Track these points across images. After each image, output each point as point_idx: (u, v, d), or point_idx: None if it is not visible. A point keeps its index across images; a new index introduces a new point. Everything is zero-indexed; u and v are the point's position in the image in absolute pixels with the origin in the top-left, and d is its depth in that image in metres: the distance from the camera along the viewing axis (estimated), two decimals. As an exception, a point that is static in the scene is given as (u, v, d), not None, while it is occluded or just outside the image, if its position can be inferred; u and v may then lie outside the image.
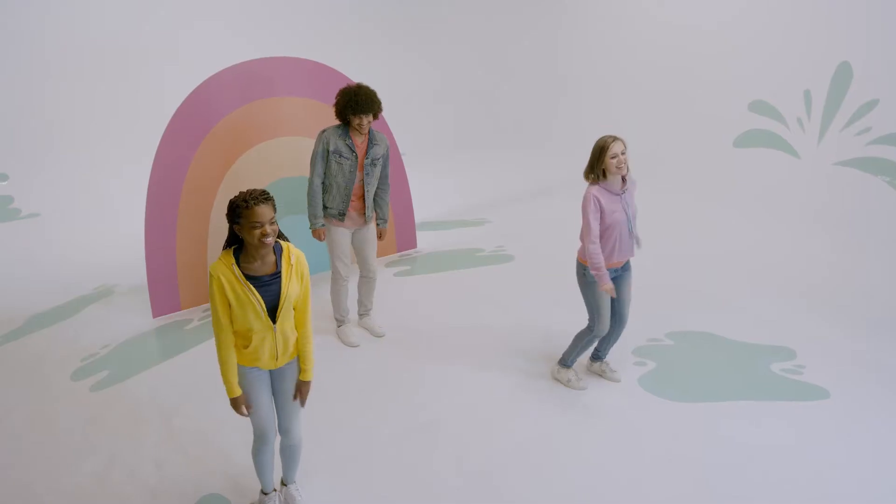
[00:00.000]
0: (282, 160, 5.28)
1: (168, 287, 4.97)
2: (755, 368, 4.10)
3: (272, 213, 2.51)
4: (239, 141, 5.08)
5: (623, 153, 3.48)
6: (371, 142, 4.26)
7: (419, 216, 7.39)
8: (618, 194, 3.55)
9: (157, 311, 4.98)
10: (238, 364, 2.70)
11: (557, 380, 4.01)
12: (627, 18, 9.35)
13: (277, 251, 2.64)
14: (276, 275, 2.61)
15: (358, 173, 4.25)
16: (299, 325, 2.74)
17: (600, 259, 3.53)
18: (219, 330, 2.59)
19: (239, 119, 5.04)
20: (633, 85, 9.37)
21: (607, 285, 3.54)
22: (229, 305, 2.54)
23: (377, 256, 6.06)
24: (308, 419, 3.69)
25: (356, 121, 4.10)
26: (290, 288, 2.62)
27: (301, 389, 2.82)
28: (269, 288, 2.58)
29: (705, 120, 8.42)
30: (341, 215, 4.31)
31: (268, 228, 2.48)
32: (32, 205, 7.25)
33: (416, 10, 10.38)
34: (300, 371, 2.82)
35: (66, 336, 4.79)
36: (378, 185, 4.44)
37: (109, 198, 7.29)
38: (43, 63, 7.18)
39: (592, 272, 3.57)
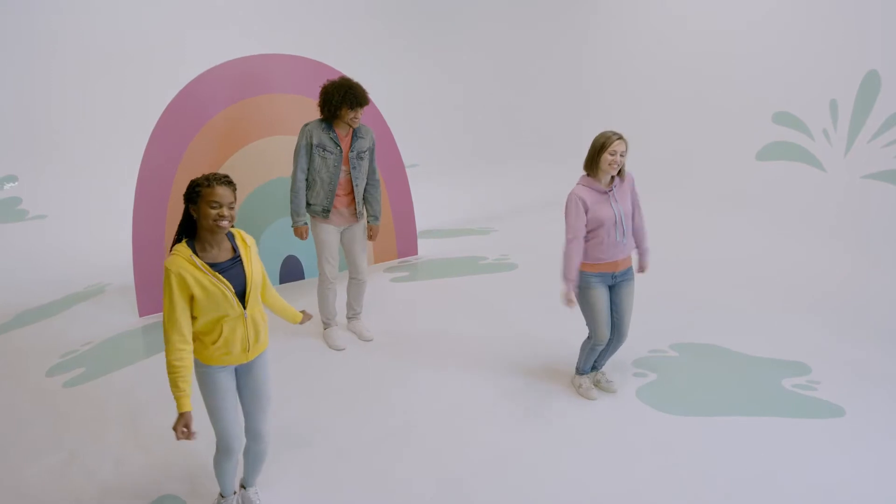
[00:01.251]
0: (276, 159, 5.16)
1: (155, 286, 4.85)
2: (764, 383, 3.80)
3: (232, 198, 2.40)
4: (231, 139, 4.99)
5: (622, 155, 3.31)
6: (356, 135, 4.11)
7: (427, 224, 7.24)
8: (604, 192, 3.35)
9: (144, 310, 4.86)
10: (202, 363, 2.50)
11: (573, 385, 3.78)
12: (649, 30, 9.17)
13: (230, 237, 2.51)
14: (236, 259, 2.47)
15: (343, 167, 4.09)
16: (268, 298, 2.73)
17: (570, 263, 3.39)
18: (172, 330, 2.34)
19: (232, 116, 4.96)
20: (654, 97, 9.15)
21: (568, 294, 3.42)
22: (192, 301, 2.36)
23: (376, 262, 5.97)
24: (281, 420, 3.53)
25: (351, 115, 3.95)
26: (255, 270, 2.50)
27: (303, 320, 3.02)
28: (231, 273, 2.44)
29: (727, 132, 8.16)
30: (325, 212, 4.14)
31: (225, 211, 2.36)
32: (40, 206, 7.27)
33: (436, 20, 10.33)
34: (294, 318, 2.98)
35: (50, 332, 4.69)
36: (367, 180, 4.28)
37: (116, 199, 7.26)
38: (53, 66, 7.25)
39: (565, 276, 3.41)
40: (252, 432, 2.67)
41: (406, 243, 6.12)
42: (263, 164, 5.15)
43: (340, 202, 4.17)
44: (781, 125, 7.60)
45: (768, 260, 5.80)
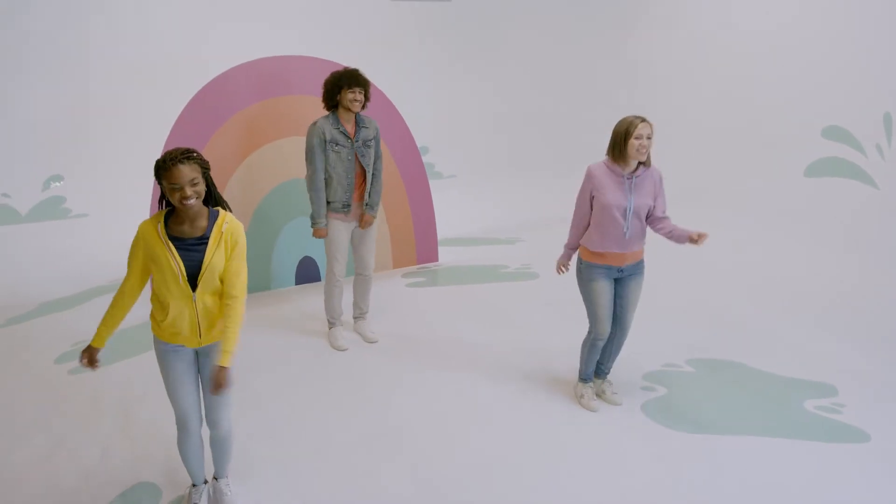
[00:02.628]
0: (295, 160, 5.16)
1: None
2: (785, 404, 3.52)
3: (194, 174, 2.30)
4: (251, 137, 5.03)
5: (649, 138, 3.12)
6: (359, 125, 4.09)
7: (455, 233, 7.15)
8: (622, 176, 3.16)
9: (159, 303, 4.92)
10: (160, 340, 2.50)
11: (575, 394, 3.61)
12: (693, 42, 8.91)
13: (213, 217, 2.44)
14: (203, 240, 2.40)
15: (355, 160, 4.06)
16: (225, 297, 2.46)
17: (571, 237, 3.42)
18: (126, 277, 2.45)
19: (253, 115, 5.01)
20: (699, 110, 8.86)
21: (562, 261, 3.43)
22: (150, 266, 2.39)
23: (395, 267, 5.91)
24: (268, 416, 3.49)
25: (350, 96, 3.93)
26: (215, 256, 2.40)
27: (216, 376, 2.35)
28: (191, 252, 2.38)
29: (774, 147, 7.80)
30: (346, 206, 4.10)
31: (188, 190, 2.28)
32: (82, 205, 7.54)
33: (480, 34, 10.32)
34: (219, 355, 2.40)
35: (66, 322, 4.80)
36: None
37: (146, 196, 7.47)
38: (97, 69, 7.52)
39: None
40: (209, 419, 2.61)
41: (426, 250, 6.03)
42: (282, 164, 5.17)
43: (355, 195, 4.14)
44: (831, 140, 7.21)
45: (810, 279, 5.43)
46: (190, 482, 2.82)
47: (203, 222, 2.40)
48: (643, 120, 3.09)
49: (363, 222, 4.27)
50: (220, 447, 2.72)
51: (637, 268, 3.37)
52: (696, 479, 2.88)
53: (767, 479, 2.87)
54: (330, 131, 3.99)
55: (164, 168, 2.27)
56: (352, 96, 3.93)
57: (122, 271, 2.59)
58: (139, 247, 2.38)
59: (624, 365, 3.92)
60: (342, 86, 3.93)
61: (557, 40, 10.49)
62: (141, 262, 2.40)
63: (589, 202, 3.25)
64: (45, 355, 4.25)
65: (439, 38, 10.07)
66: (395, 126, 5.63)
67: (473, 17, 10.23)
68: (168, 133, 4.82)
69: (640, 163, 3.18)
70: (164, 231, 2.35)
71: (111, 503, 2.82)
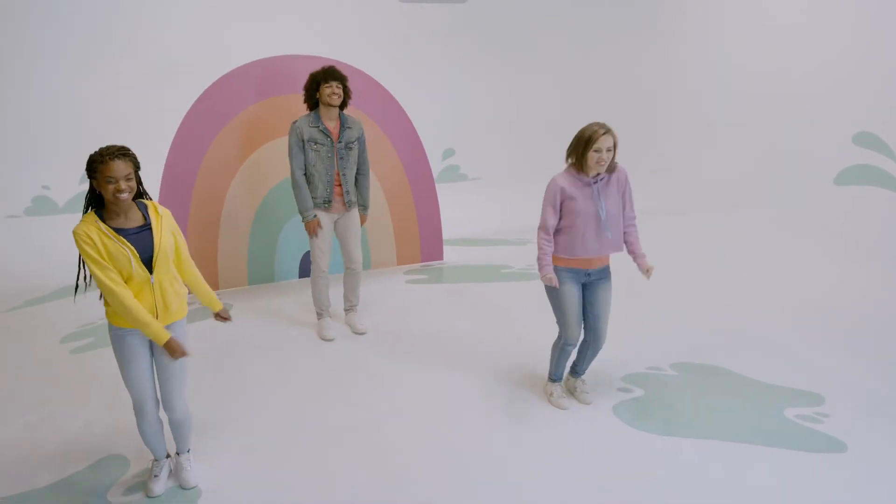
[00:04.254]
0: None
1: (178, 269, 5.12)
2: (764, 411, 3.42)
3: (128, 170, 2.44)
4: (256, 135, 5.20)
5: (609, 150, 3.08)
6: (343, 125, 4.19)
7: (465, 234, 7.19)
8: (588, 184, 3.15)
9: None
10: (115, 326, 2.61)
11: (545, 392, 3.59)
12: (722, 47, 8.72)
13: (142, 208, 2.58)
14: (145, 227, 2.54)
15: (335, 157, 4.16)
16: (184, 272, 2.74)
17: (545, 250, 3.23)
18: (108, 288, 2.45)
19: (258, 113, 5.17)
20: (725, 116, 8.66)
21: (546, 275, 3.20)
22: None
23: (398, 264, 5.98)
24: (245, 400, 3.62)
25: (327, 90, 4.05)
26: (164, 238, 2.55)
27: (220, 314, 2.99)
28: (139, 238, 2.51)
29: (803, 154, 7.58)
30: (327, 203, 4.21)
31: (122, 184, 2.41)
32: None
33: (504, 35, 10.34)
34: (212, 305, 2.96)
35: (77, 306, 5.04)
36: (357, 170, 4.34)
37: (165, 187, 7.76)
38: (117, 70, 7.89)
39: (539, 258, 3.25)
40: (164, 402, 2.73)
41: (431, 249, 6.09)
42: (286, 160, 5.29)
43: (336, 192, 4.24)
44: (863, 147, 6.96)
45: (822, 289, 5.20)
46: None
47: (136, 213, 2.54)
48: (606, 131, 3.04)
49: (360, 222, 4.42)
50: (176, 427, 2.84)
51: (605, 272, 3.35)
52: (649, 480, 2.84)
53: (725, 484, 2.80)
54: (308, 130, 4.11)
55: (101, 162, 2.39)
56: (329, 90, 4.04)
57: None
58: (90, 243, 2.42)
59: (605, 366, 3.89)
60: (319, 81, 4.06)
61: (583, 44, 10.44)
62: (99, 253, 2.44)
63: (558, 212, 3.22)
64: (52, 335, 4.50)
65: (465, 40, 10.16)
66: (401, 126, 5.72)
67: (501, 19, 10.27)
68: (176, 130, 5.02)
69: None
70: (106, 226, 2.46)
71: (82, 470, 2.98)
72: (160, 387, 2.72)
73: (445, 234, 6.71)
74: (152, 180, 5.75)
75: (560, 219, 3.24)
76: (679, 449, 3.07)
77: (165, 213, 2.65)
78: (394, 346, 4.30)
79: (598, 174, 3.17)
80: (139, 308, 2.49)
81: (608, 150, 3.07)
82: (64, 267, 6.18)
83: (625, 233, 3.31)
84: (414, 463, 3.01)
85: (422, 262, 6.10)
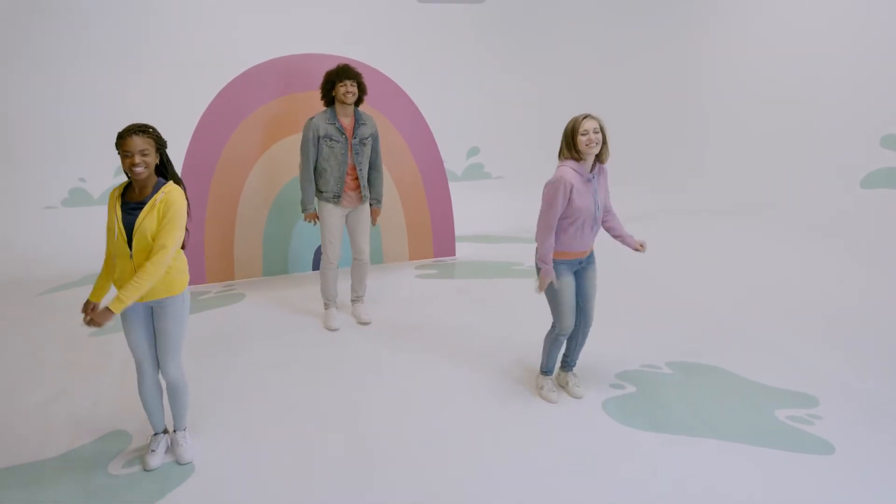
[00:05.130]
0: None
1: (196, 260, 5.33)
2: (755, 410, 3.40)
3: (145, 146, 2.59)
4: (276, 129, 5.37)
5: (596, 131, 3.15)
6: (357, 122, 4.30)
7: (481, 231, 7.25)
8: (588, 179, 3.22)
9: (184, 280, 5.35)
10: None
11: (536, 385, 3.65)
12: (748, 49, 8.60)
13: (158, 186, 2.71)
14: (143, 204, 2.68)
15: (349, 154, 4.28)
16: (154, 248, 2.63)
17: (547, 250, 3.25)
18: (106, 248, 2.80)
19: (277, 109, 5.34)
20: (753, 117, 8.51)
21: (549, 277, 3.26)
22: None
23: (411, 259, 6.09)
24: (245, 381, 3.77)
25: (342, 89, 4.17)
26: (146, 220, 2.64)
27: (99, 313, 2.61)
28: (132, 216, 2.66)
29: (830, 157, 7.42)
30: (337, 197, 4.34)
31: (137, 159, 2.57)
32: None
33: (522, 36, 10.36)
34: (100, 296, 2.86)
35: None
36: (371, 165, 4.46)
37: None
38: (141, 65, 8.21)
39: (538, 262, 3.26)
40: (160, 364, 2.90)
41: (443, 244, 6.18)
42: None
43: (348, 186, 4.37)
44: (891, 149, 6.78)
45: (832, 292, 5.12)
46: (153, 432, 3.11)
47: (149, 190, 2.68)
48: (587, 116, 3.14)
49: (372, 216, 4.56)
50: (172, 396, 2.99)
51: (592, 257, 3.44)
52: (628, 474, 2.86)
53: (704, 480, 2.80)
54: (324, 127, 4.24)
55: (122, 137, 2.59)
56: (343, 89, 4.16)
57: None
58: (108, 206, 2.74)
59: (599, 362, 3.93)
60: (334, 80, 4.18)
61: (605, 45, 10.37)
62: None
63: (561, 210, 3.26)
64: (75, 319, 4.72)
65: (487, 40, 10.18)
66: (416, 126, 5.82)
67: (520, 20, 10.27)
68: (196, 124, 5.22)
69: (596, 161, 3.24)
70: (119, 196, 2.67)
71: (88, 443, 3.16)
72: (157, 350, 2.88)
73: (465, 231, 6.81)
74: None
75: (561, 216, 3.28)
76: (662, 445, 3.08)
77: (167, 198, 2.67)
78: (395, 336, 4.40)
79: (594, 169, 3.23)
80: (102, 275, 2.84)
81: (595, 131, 3.13)
82: (94, 255, 6.50)
83: (604, 220, 3.42)
84: (394, 447, 3.10)
85: (434, 257, 6.19)
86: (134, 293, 2.58)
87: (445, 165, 10.15)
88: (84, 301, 2.86)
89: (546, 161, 10.23)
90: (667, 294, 5.18)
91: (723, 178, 8.68)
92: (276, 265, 5.65)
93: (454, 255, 6.27)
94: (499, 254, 6.42)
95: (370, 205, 4.55)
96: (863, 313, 4.66)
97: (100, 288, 2.86)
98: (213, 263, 5.40)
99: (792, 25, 7.92)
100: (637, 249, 3.42)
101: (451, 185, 9.28)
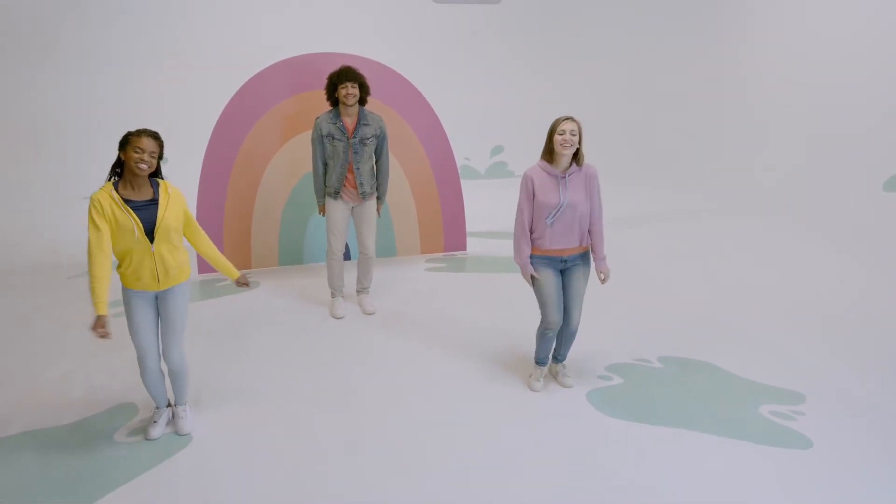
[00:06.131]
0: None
1: (215, 248, 5.60)
2: (739, 405, 3.44)
3: (155, 149, 2.85)
4: (291, 126, 5.58)
5: (573, 133, 3.25)
6: (360, 122, 4.45)
7: (497, 227, 7.35)
8: (556, 176, 3.31)
9: (202, 268, 5.62)
10: (126, 288, 3.00)
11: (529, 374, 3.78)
12: (777, 49, 8.50)
13: (155, 185, 2.94)
14: (153, 201, 2.90)
15: (350, 153, 4.45)
16: (199, 244, 3.15)
17: (521, 245, 3.42)
18: (95, 248, 2.77)
19: (292, 107, 5.55)
20: (778, 119, 8.40)
21: (525, 272, 3.43)
22: (109, 227, 2.81)
23: (422, 253, 6.24)
24: (249, 363, 3.99)
25: (343, 91, 4.33)
26: (168, 212, 2.88)
27: (240, 280, 3.30)
28: (145, 212, 2.87)
29: (852, 159, 7.30)
30: (336, 193, 4.53)
31: (147, 157, 2.81)
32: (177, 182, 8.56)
33: (542, 36, 10.41)
34: (230, 274, 3.27)
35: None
36: (376, 163, 4.61)
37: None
38: (166, 65, 8.59)
39: (515, 259, 3.41)
40: (164, 354, 3.10)
41: (454, 239, 6.31)
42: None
43: (348, 182, 4.55)
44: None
45: (837, 295, 5.05)
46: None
47: (148, 188, 2.91)
48: (567, 118, 3.25)
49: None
50: (174, 378, 3.20)
51: (582, 258, 3.48)
52: (602, 461, 2.95)
53: (672, 469, 2.88)
54: (327, 126, 4.43)
55: (136, 135, 2.82)
56: (344, 91, 4.33)
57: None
58: (98, 212, 2.78)
59: (592, 354, 4.02)
60: (336, 83, 4.34)
61: (623, 46, 10.37)
62: (103, 222, 2.80)
63: (531, 204, 3.39)
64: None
65: (507, 40, 10.30)
66: (429, 125, 5.97)
67: (538, 20, 10.35)
68: (216, 120, 5.47)
69: (573, 162, 3.33)
70: (118, 196, 2.84)
71: (99, 413, 3.42)
72: (161, 337, 3.09)
73: (484, 228, 6.93)
74: (194, 166, 6.29)
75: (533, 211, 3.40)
76: (639, 434, 3.16)
77: (175, 192, 2.97)
78: (397, 326, 4.56)
79: (569, 169, 3.32)
80: (98, 277, 2.76)
81: (571, 133, 3.23)
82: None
83: (589, 231, 3.46)
84: (379, 427, 3.26)
85: (445, 251, 6.33)
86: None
87: (469, 163, 10.35)
88: (97, 316, 2.77)
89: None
90: (667, 292, 5.21)
91: (744, 179, 8.59)
92: (291, 255, 5.88)
93: (465, 249, 6.39)
94: (510, 249, 6.50)
95: (359, 196, 4.64)
96: (865, 314, 4.61)
97: (102, 295, 2.79)
98: (231, 253, 5.66)
99: (814, 28, 7.82)
100: (598, 275, 3.51)
101: (474, 183, 9.46)
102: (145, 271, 2.92)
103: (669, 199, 8.76)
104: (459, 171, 9.86)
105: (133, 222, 2.83)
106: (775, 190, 8.04)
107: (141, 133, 2.83)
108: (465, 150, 10.28)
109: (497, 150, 10.53)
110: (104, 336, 2.80)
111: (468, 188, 8.02)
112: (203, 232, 3.18)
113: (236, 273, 3.30)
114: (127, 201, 2.85)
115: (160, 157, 2.92)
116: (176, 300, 3.04)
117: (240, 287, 3.42)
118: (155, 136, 2.87)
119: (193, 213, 5.61)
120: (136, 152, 2.79)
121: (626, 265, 5.88)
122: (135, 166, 2.80)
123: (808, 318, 4.62)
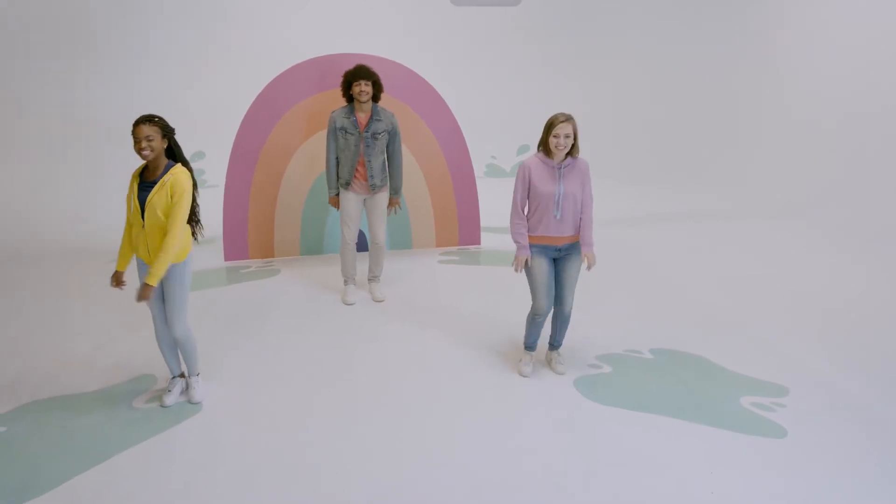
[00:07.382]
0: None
1: (239, 238, 5.92)
2: (721, 395, 3.56)
3: (150, 132, 3.08)
4: (313, 122, 5.86)
5: (567, 137, 3.41)
6: (373, 117, 4.68)
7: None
8: (552, 167, 3.48)
9: (228, 256, 5.96)
10: (136, 256, 3.35)
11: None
12: (801, 51, 8.40)
13: (167, 168, 3.18)
14: (154, 183, 3.16)
15: (361, 146, 4.69)
16: (166, 230, 3.12)
17: (518, 229, 3.58)
18: (126, 218, 3.27)
19: (313, 105, 5.83)
20: (806, 122, 8.30)
21: (522, 256, 3.57)
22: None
23: (437, 246, 6.45)
24: (262, 341, 4.28)
25: (356, 89, 4.57)
26: (155, 196, 3.12)
27: (140, 290, 3.10)
28: (146, 192, 3.16)
29: (870, 158, 7.17)
30: (347, 184, 4.78)
31: (143, 143, 3.07)
32: (215, 178, 8.97)
33: (562, 38, 10.49)
34: (151, 274, 3.10)
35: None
36: (389, 158, 4.84)
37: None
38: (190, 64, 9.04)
39: (514, 238, 3.60)
40: (169, 326, 3.39)
41: (469, 234, 6.50)
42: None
43: (359, 174, 4.79)
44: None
45: (839, 295, 5.05)
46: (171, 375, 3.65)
47: (160, 171, 3.18)
48: (566, 119, 3.39)
49: (390, 205, 4.97)
50: (181, 350, 3.49)
51: (574, 248, 3.63)
52: (584, 443, 3.11)
53: (647, 453, 3.01)
54: (341, 120, 4.68)
55: (135, 125, 3.10)
56: (358, 89, 4.57)
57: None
58: (129, 189, 3.22)
59: (584, 344, 4.16)
60: (351, 80, 4.59)
61: (644, 47, 10.33)
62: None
63: (526, 194, 3.56)
64: (133, 281, 5.39)
65: (528, 42, 10.42)
66: (446, 123, 6.17)
67: (560, 22, 10.43)
68: (243, 117, 5.80)
69: (568, 155, 3.49)
70: (137, 175, 3.18)
71: (122, 382, 3.75)
72: (166, 310, 3.37)
73: (501, 224, 7.08)
74: (222, 159, 6.63)
75: (528, 200, 3.57)
76: (616, 418, 3.31)
77: (175, 179, 3.13)
78: (403, 313, 4.78)
79: (565, 161, 3.48)
80: (123, 242, 3.35)
81: (566, 137, 3.38)
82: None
83: (580, 218, 3.59)
84: (375, 407, 3.49)
85: (459, 245, 6.53)
86: (162, 267, 3.11)
87: (495, 161, 10.51)
88: (113, 272, 3.38)
89: (591, 160, 10.35)
90: (670, 289, 5.29)
91: (765, 180, 8.51)
92: (312, 245, 6.17)
93: (479, 244, 6.58)
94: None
95: (389, 194, 4.94)
96: (865, 313, 4.62)
97: (123, 257, 3.36)
98: (255, 242, 5.98)
99: (840, 26, 7.70)
100: (583, 259, 3.60)
101: (500, 181, 9.60)
102: (140, 244, 3.23)
103: (691, 200, 8.74)
104: (486, 169, 10.14)
105: (133, 199, 3.16)
106: (795, 191, 7.95)
107: (137, 122, 3.07)
108: (492, 149, 10.46)
109: (523, 149, 10.65)
110: (116, 286, 3.37)
111: (494, 186, 8.22)
112: (176, 227, 3.10)
113: (152, 281, 3.09)
114: (143, 182, 3.17)
115: (168, 136, 3.14)
116: (168, 279, 3.27)
117: (138, 299, 3.14)
118: (149, 120, 3.08)
119: (220, 202, 5.99)
120: (136, 141, 3.06)
121: (634, 262, 5.98)
122: (137, 153, 3.08)
123: (809, 316, 4.66)
